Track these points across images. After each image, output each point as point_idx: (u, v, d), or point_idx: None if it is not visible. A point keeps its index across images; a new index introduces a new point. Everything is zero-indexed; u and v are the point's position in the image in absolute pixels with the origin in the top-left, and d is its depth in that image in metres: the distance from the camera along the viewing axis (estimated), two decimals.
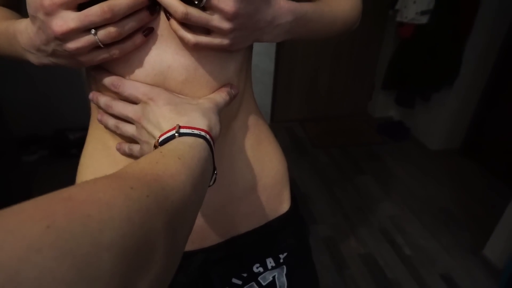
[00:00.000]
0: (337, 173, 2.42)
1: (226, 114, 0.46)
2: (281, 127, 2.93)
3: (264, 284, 0.58)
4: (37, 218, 0.18)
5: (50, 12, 0.33)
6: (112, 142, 0.47)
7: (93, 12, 0.33)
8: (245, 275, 0.56)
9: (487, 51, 2.30)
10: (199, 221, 0.49)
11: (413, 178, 2.39)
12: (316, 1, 0.52)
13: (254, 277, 0.57)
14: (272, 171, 0.56)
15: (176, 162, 0.30)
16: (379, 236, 1.90)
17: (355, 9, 0.58)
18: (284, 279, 0.60)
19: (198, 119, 0.38)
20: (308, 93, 2.99)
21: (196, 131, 0.36)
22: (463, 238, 1.91)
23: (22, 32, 0.38)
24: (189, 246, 0.50)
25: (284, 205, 0.59)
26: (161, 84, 0.41)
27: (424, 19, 2.23)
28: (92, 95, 0.44)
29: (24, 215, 0.18)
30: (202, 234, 0.51)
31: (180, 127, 0.36)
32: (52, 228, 0.18)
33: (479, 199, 2.19)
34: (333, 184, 2.29)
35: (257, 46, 2.33)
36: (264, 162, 0.55)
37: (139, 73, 0.40)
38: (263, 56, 2.66)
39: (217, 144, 0.42)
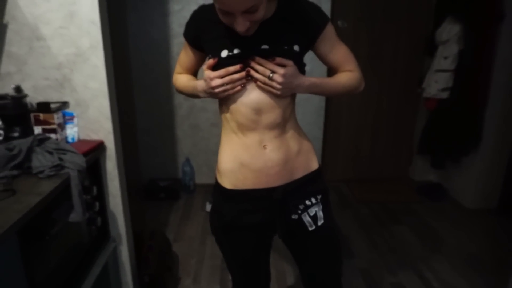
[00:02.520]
0: (376, 222, 2.78)
1: (285, 117, 1.02)
2: (329, 186, 3.39)
3: (311, 215, 1.08)
4: None
5: (211, 79, 0.97)
6: (232, 134, 1.05)
7: (221, 73, 0.95)
8: (301, 207, 1.07)
9: (506, 117, 2.69)
10: (274, 168, 1.02)
11: (447, 230, 2.66)
12: (333, 76, 1.11)
13: (306, 209, 1.07)
14: (306, 146, 1.10)
15: None
16: (409, 271, 2.20)
17: (352, 81, 1.12)
18: (321, 213, 1.09)
19: None
20: (353, 158, 3.49)
21: None
22: (490, 280, 2.12)
23: (199, 85, 1.04)
24: (271, 183, 1.03)
25: (315, 165, 1.11)
26: (257, 107, 0.99)
27: (445, 95, 2.74)
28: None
29: None
30: (277, 177, 1.03)
31: None
32: None
33: (509, 249, 2.39)
34: (371, 231, 2.65)
35: (308, 117, 3.03)
36: (301, 143, 1.09)
37: (248, 101, 0.99)
38: (313, 126, 3.27)
39: (281, 129, 1.02)
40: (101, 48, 1.40)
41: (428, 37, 2.99)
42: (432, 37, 2.85)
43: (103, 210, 1.56)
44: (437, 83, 2.76)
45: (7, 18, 1.35)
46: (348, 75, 1.09)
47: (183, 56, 1.16)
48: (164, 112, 3.19)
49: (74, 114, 1.46)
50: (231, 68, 0.95)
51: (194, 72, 1.19)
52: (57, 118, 1.37)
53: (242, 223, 1.07)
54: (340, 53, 1.08)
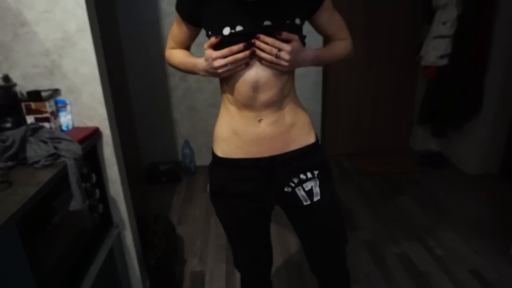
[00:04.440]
0: (379, 194, 2.79)
1: (283, 94, 1.00)
2: (330, 160, 3.38)
3: (306, 190, 1.06)
4: None
5: (213, 59, 0.92)
6: (231, 107, 1.03)
7: (225, 52, 0.91)
8: (296, 180, 1.05)
9: (508, 81, 2.65)
10: (267, 140, 1.01)
11: (450, 198, 2.67)
12: (327, 46, 1.09)
13: (301, 183, 1.06)
14: (302, 120, 1.07)
15: None
16: (413, 241, 2.22)
17: (346, 50, 1.11)
18: (318, 189, 1.07)
19: None
20: (353, 130, 3.46)
21: None
22: (494, 242, 2.14)
23: (200, 64, 1.00)
24: (261, 154, 1.02)
25: (312, 139, 1.09)
26: (256, 84, 0.96)
27: (444, 62, 2.68)
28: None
29: None
30: (268, 147, 1.02)
31: None
32: None
33: None
34: (374, 202, 2.66)
35: (305, 92, 3.00)
36: (298, 116, 1.06)
37: (246, 79, 0.96)
38: (312, 101, 3.23)
39: (278, 106, 1.00)
40: (88, 31, 1.35)
41: (425, 2, 2.90)
42: (430, 2, 2.77)
43: (104, 197, 1.55)
44: (435, 50, 2.70)
45: None
46: (343, 44, 1.09)
47: (176, 30, 1.11)
48: (160, 95, 3.15)
49: (67, 101, 1.42)
50: (235, 48, 0.91)
51: (188, 46, 1.15)
52: (49, 106, 1.33)
53: (232, 191, 1.08)
54: (337, 22, 1.08)
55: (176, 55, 1.12)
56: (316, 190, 1.07)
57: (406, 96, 3.40)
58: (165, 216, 2.23)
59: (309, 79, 3.13)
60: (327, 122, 3.40)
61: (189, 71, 1.08)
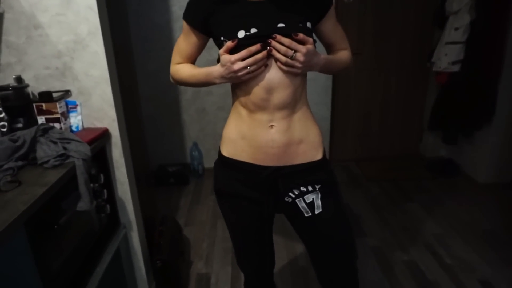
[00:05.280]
0: (387, 200, 2.76)
1: (295, 96, 1.00)
2: (338, 165, 3.37)
3: (307, 202, 1.06)
4: None
5: (232, 62, 0.92)
6: (242, 111, 1.03)
7: (243, 54, 0.90)
8: (296, 192, 1.05)
9: None
10: (274, 149, 1.00)
11: (460, 206, 2.63)
12: (334, 54, 1.10)
13: (301, 195, 1.06)
14: (312, 135, 1.06)
15: None
16: (422, 249, 2.18)
17: (348, 59, 1.13)
18: (319, 202, 1.06)
19: None
20: (362, 135, 3.44)
21: None
22: (505, 253, 2.10)
23: (215, 71, 0.98)
24: (266, 162, 1.01)
25: (319, 156, 1.08)
26: (269, 86, 0.96)
27: (456, 68, 2.65)
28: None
29: None
30: (274, 157, 1.02)
31: None
32: None
33: None
34: (382, 209, 2.63)
35: (315, 97, 3.00)
36: (309, 129, 1.06)
37: (261, 81, 0.96)
38: (321, 105, 3.22)
39: (288, 116, 0.99)
40: (100, 34, 1.37)
41: (437, 8, 2.88)
42: (442, 8, 2.75)
43: (112, 198, 1.56)
44: (447, 56, 2.67)
45: (3, 6, 1.32)
46: (345, 53, 1.12)
47: (183, 43, 1.10)
48: (169, 97, 3.17)
49: (77, 102, 1.44)
50: (253, 48, 0.91)
51: (194, 60, 1.14)
52: (60, 107, 1.35)
53: (233, 191, 1.09)
54: (340, 32, 1.11)
55: (184, 69, 1.11)
56: (318, 203, 1.06)
57: (416, 102, 3.36)
58: (172, 218, 2.24)
59: (318, 84, 3.12)
60: (336, 127, 3.39)
61: (202, 83, 1.06)
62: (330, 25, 1.06)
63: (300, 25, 0.95)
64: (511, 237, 2.25)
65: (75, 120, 1.45)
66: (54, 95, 1.37)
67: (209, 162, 3.33)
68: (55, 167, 1.13)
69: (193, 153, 3.23)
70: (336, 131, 3.40)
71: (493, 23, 2.51)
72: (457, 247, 2.18)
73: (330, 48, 1.13)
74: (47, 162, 1.13)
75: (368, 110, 3.36)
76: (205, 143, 3.31)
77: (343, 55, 1.11)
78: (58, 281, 1.11)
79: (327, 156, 1.13)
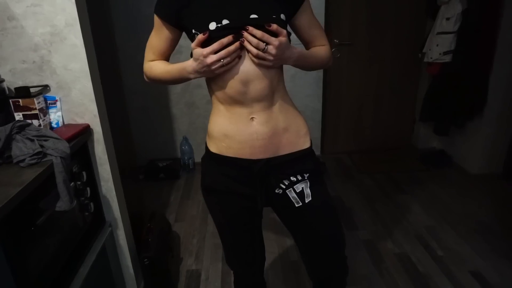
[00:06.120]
0: (380, 192, 2.74)
1: (272, 87, 0.96)
2: (330, 158, 3.35)
3: (297, 191, 1.04)
4: None
5: (205, 56, 0.87)
6: (221, 107, 0.99)
7: (215, 47, 0.86)
8: (287, 182, 1.03)
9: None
10: (260, 141, 0.98)
11: (452, 197, 2.62)
12: (310, 49, 1.06)
13: (291, 185, 1.03)
14: (296, 124, 1.04)
15: None
16: (414, 241, 2.17)
17: (326, 56, 1.09)
18: (309, 190, 1.04)
19: None
20: (354, 127, 3.41)
21: None
22: (496, 244, 2.09)
23: (188, 66, 0.94)
24: (255, 156, 0.99)
25: (306, 144, 1.06)
26: (245, 78, 0.92)
27: (447, 58, 2.62)
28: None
29: None
30: (262, 150, 0.99)
31: None
32: None
33: None
34: (375, 201, 2.62)
35: (307, 89, 2.95)
36: (291, 119, 1.03)
37: (235, 73, 0.92)
38: (312, 97, 3.19)
39: (267, 108, 0.96)
40: (78, 26, 1.31)
41: None
42: None
43: (96, 196, 1.52)
44: (439, 47, 2.64)
45: None
46: (324, 49, 1.08)
47: (155, 39, 1.05)
48: (158, 91, 3.11)
49: (57, 97, 1.38)
50: (225, 40, 0.87)
51: (168, 57, 1.09)
52: (38, 103, 1.29)
53: (223, 187, 1.06)
54: (317, 27, 1.07)
55: (157, 66, 1.06)
56: (307, 191, 1.04)
57: (408, 93, 3.34)
58: (161, 214, 2.20)
59: (310, 76, 3.08)
60: (328, 119, 3.35)
61: (176, 79, 1.02)
62: (306, 20, 1.03)
63: (274, 16, 0.91)
64: (503, 228, 2.24)
65: (55, 116, 1.39)
66: (32, 90, 1.31)
67: (199, 156, 3.29)
68: (31, 166, 1.09)
69: (183, 147, 3.18)
70: (328, 123, 3.37)
71: (484, 13, 2.47)
72: (449, 239, 2.17)
73: (308, 46, 1.09)
74: (23, 161, 1.08)
75: (360, 101, 3.33)
76: (196, 137, 3.26)
77: (320, 50, 1.07)
78: (38, 284, 1.07)
79: (319, 148, 1.11)
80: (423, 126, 3.31)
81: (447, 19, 2.58)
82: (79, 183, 1.38)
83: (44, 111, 1.34)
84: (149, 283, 1.78)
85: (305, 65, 1.04)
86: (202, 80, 1.05)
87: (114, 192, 1.56)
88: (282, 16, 0.94)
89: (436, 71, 2.74)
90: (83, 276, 1.32)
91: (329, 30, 2.94)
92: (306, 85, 3.10)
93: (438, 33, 2.64)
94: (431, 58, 2.69)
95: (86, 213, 1.44)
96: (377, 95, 3.32)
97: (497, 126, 2.72)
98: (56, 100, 1.38)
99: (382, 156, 3.34)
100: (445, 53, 2.61)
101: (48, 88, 1.38)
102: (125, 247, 1.68)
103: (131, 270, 1.73)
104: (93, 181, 1.50)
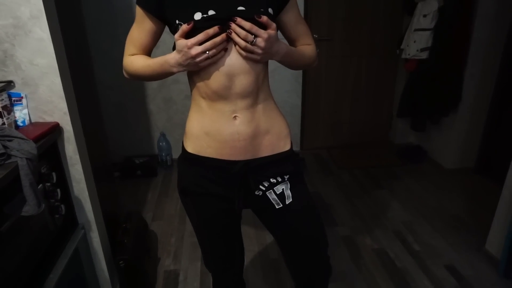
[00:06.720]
0: (358, 188, 2.77)
1: (257, 83, 0.93)
2: (309, 153, 3.35)
3: (277, 193, 1.02)
4: None
5: (189, 47, 0.83)
6: (202, 103, 0.95)
7: (201, 38, 0.82)
8: (266, 184, 1.00)
9: (485, 76, 2.64)
10: (241, 142, 0.94)
11: (428, 192, 2.67)
12: (297, 47, 1.04)
13: (271, 186, 1.01)
14: (278, 126, 1.01)
15: None
16: (391, 236, 2.20)
17: (313, 55, 1.07)
18: (289, 192, 1.02)
19: None
20: (333, 123, 3.42)
21: None
22: (470, 238, 2.15)
23: (171, 59, 0.89)
24: (234, 157, 0.96)
25: (286, 147, 1.03)
26: (230, 72, 0.88)
27: (424, 55, 2.65)
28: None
29: None
30: (242, 152, 0.96)
31: None
32: None
33: (490, 208, 2.41)
34: (353, 197, 2.64)
35: (286, 85, 2.91)
36: (274, 120, 1.00)
37: (221, 66, 0.88)
38: (292, 93, 3.17)
39: (251, 106, 0.93)
40: (44, 18, 1.23)
41: None
42: None
43: (67, 197, 1.45)
44: (416, 43, 2.66)
45: None
46: (310, 48, 1.06)
47: (136, 32, 1.00)
48: (134, 86, 3.02)
49: (22, 94, 1.30)
50: (210, 31, 0.82)
51: (150, 51, 1.03)
52: (1, 100, 1.21)
53: (200, 189, 1.02)
54: (304, 26, 1.05)
55: (138, 60, 0.99)
56: (288, 192, 1.02)
57: (386, 89, 3.37)
58: (137, 213, 2.14)
59: (289, 71, 3.05)
60: (307, 115, 3.35)
61: (158, 73, 0.97)
62: (293, 17, 1.00)
63: (262, 10, 0.87)
64: (475, 221, 2.30)
65: (21, 114, 1.31)
66: None
67: (177, 153, 3.20)
68: None
69: (160, 143, 3.11)
70: (307, 119, 3.37)
71: (460, 11, 2.51)
72: (424, 234, 2.21)
73: (293, 44, 1.06)
74: None
75: (339, 97, 3.34)
76: (173, 133, 3.19)
77: (307, 49, 1.04)
78: None
79: (299, 144, 1.09)
80: (401, 122, 3.36)
81: (424, 16, 2.61)
82: (48, 184, 1.31)
83: (8, 109, 1.26)
84: (125, 287, 1.72)
85: (291, 62, 1.01)
86: (180, 76, 1.01)
87: (87, 193, 1.50)
88: (270, 10, 0.90)
89: (413, 68, 2.78)
90: (53, 283, 1.26)
91: (309, 25, 2.92)
92: (285, 80, 3.08)
93: (416, 30, 2.67)
94: (408, 54, 2.72)
95: (57, 216, 1.37)
96: (356, 91, 3.34)
97: (470, 122, 2.79)
98: (22, 97, 1.30)
99: (360, 151, 3.37)
100: (422, 50, 2.64)
101: (12, 84, 1.30)
102: (100, 249, 1.62)
103: (106, 274, 1.67)
104: (64, 182, 1.43)
